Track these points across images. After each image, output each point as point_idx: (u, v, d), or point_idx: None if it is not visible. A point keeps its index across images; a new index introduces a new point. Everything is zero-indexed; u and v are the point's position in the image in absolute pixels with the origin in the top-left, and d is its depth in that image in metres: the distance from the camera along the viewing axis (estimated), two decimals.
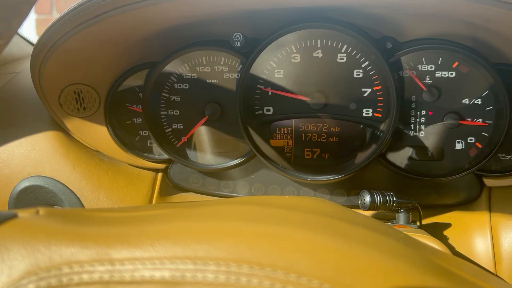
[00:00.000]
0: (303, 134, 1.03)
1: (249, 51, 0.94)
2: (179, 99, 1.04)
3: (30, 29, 3.33)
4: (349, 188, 1.04)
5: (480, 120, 0.93)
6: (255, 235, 0.39)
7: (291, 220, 0.43)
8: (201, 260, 0.37)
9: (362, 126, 0.98)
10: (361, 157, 1.00)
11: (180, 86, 1.03)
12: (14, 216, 0.42)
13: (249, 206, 0.46)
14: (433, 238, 0.72)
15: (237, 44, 0.88)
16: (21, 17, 0.49)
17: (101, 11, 0.79)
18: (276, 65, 0.98)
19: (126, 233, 0.40)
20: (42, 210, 0.44)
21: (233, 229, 0.40)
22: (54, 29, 0.84)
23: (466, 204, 0.99)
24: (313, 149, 1.03)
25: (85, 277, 0.37)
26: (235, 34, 0.89)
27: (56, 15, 3.31)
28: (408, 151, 0.99)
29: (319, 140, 1.02)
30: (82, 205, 1.00)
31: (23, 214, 0.43)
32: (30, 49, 1.09)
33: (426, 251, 0.49)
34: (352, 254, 0.38)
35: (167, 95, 1.04)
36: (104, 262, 0.37)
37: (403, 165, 0.99)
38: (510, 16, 0.71)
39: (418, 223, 0.89)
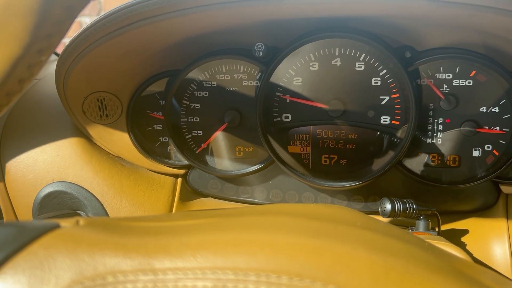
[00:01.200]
0: (320, 141, 1.04)
1: (269, 60, 0.96)
2: (199, 106, 1.06)
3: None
4: (366, 195, 1.06)
5: (498, 128, 0.94)
6: (293, 246, 0.41)
7: (325, 232, 0.44)
8: (242, 271, 0.39)
9: (379, 133, 1.00)
10: (378, 163, 1.01)
11: (200, 93, 1.05)
12: (57, 226, 0.44)
13: (283, 217, 0.48)
14: (453, 245, 0.73)
15: (259, 53, 0.90)
16: (62, 34, 0.51)
17: (128, 22, 0.81)
18: (295, 73, 1.00)
19: (167, 244, 0.42)
20: (82, 220, 0.46)
21: (271, 240, 0.42)
22: (81, 38, 0.86)
23: (483, 210, 1.00)
24: (331, 156, 1.05)
25: (129, 286, 0.38)
26: (257, 44, 0.91)
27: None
28: (425, 158, 1.00)
29: (336, 146, 1.04)
30: (105, 210, 1.02)
31: (65, 224, 0.45)
32: (52, 55, 1.11)
33: (452, 260, 0.51)
34: (388, 266, 0.40)
35: (188, 103, 1.06)
36: (147, 272, 0.39)
37: (420, 172, 1.00)
38: None
39: (436, 230, 0.90)
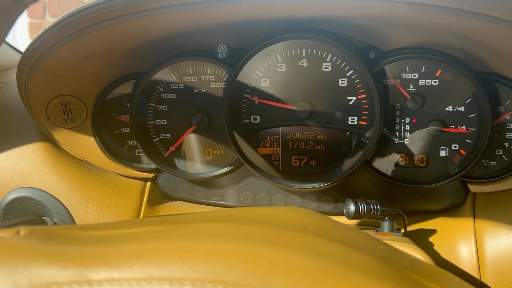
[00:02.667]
0: (290, 142, 1.03)
1: (234, 61, 0.95)
2: (166, 108, 1.05)
3: (23, 33, 3.32)
4: (336, 196, 1.05)
5: (464, 127, 0.94)
6: (231, 254, 0.40)
7: (268, 238, 0.43)
8: (178, 281, 0.38)
9: (348, 133, 0.99)
10: (347, 164, 1.00)
11: (167, 95, 1.04)
12: None
13: (227, 224, 0.47)
14: (416, 247, 0.73)
15: (221, 55, 0.89)
16: (8, 26, 0.49)
17: (84, 25, 0.79)
18: (263, 75, 0.99)
19: (104, 253, 0.41)
20: (23, 230, 0.45)
21: (209, 248, 0.41)
22: (39, 42, 0.84)
23: (452, 210, 1.01)
24: (301, 157, 1.04)
25: None
26: (219, 46, 0.90)
27: (49, 19, 3.30)
28: (393, 158, 1.00)
29: (306, 147, 1.03)
30: (71, 216, 1.00)
31: (4, 234, 0.43)
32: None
33: (403, 264, 0.50)
34: (326, 273, 0.39)
35: (155, 105, 1.05)
36: (82, 283, 0.38)
37: (389, 172, 1.00)
38: (488, 28, 0.72)
39: (402, 231, 0.90)
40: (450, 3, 0.67)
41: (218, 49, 0.90)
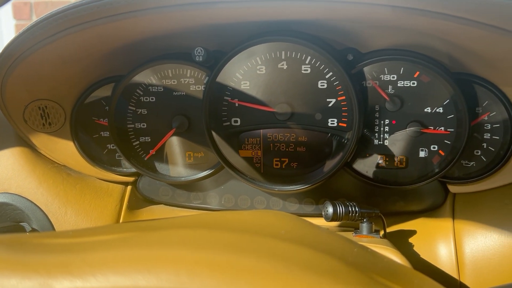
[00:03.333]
0: (271, 144, 1.03)
1: (213, 64, 0.95)
2: (146, 112, 1.04)
3: (9, 35, 3.28)
4: (317, 197, 1.05)
5: (442, 128, 0.95)
6: (197, 263, 0.39)
7: (236, 245, 0.43)
8: None
9: (329, 135, 0.99)
10: (328, 166, 1.01)
11: (146, 99, 1.03)
12: None
13: (195, 231, 0.46)
14: (393, 249, 0.73)
15: (198, 58, 0.89)
16: None
17: (60, 28, 0.78)
18: (242, 77, 0.99)
19: (68, 262, 0.40)
20: None
21: (175, 256, 0.40)
22: (15, 45, 0.83)
23: (432, 210, 1.01)
24: (282, 159, 1.04)
25: None
26: (196, 49, 0.89)
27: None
28: (373, 160, 1.00)
29: (287, 149, 1.03)
30: (50, 221, 0.99)
31: None
32: None
33: (375, 268, 0.50)
34: (293, 279, 0.39)
35: (134, 108, 1.04)
36: None
37: (369, 174, 1.00)
38: (463, 29, 0.73)
39: (382, 232, 0.90)
40: (423, 5, 0.67)
41: (195, 52, 0.89)
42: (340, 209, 0.84)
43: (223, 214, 0.58)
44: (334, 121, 0.98)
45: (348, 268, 0.44)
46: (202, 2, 0.70)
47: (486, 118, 0.94)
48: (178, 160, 1.07)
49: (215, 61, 0.94)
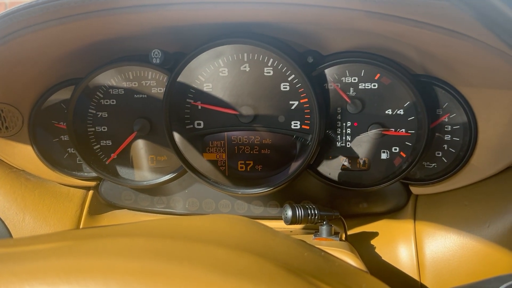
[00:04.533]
0: (236, 147, 1.02)
1: (173, 66, 0.93)
2: (106, 115, 1.02)
3: None
4: (282, 200, 1.05)
5: (403, 130, 0.95)
6: (127, 272, 0.38)
7: (172, 253, 0.42)
8: None
9: (294, 137, 0.99)
10: (292, 168, 1.00)
11: (107, 101, 1.01)
12: None
13: (133, 239, 0.45)
14: (349, 252, 0.73)
15: (156, 60, 0.87)
16: None
17: (12, 30, 0.76)
18: (205, 79, 0.98)
19: None
20: None
21: (105, 266, 0.39)
22: None
23: (395, 212, 1.01)
24: (247, 162, 1.03)
25: None
26: (153, 51, 0.88)
27: None
28: (336, 162, 1.00)
29: (252, 152, 1.02)
30: (6, 228, 0.96)
31: None
32: None
33: (320, 273, 0.50)
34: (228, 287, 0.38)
35: (94, 111, 1.02)
36: None
37: (332, 176, 1.00)
38: (416, 32, 0.73)
39: (344, 235, 0.90)
40: (376, 8, 0.67)
41: (152, 54, 0.88)
42: (299, 212, 0.83)
43: (173, 221, 0.57)
44: (297, 123, 0.98)
45: (287, 274, 0.43)
46: (152, 4, 0.69)
47: (446, 120, 0.95)
48: (141, 163, 1.05)
49: (174, 63, 0.93)
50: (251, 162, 1.03)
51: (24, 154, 1.01)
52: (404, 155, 0.96)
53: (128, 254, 0.41)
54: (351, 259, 0.70)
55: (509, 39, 0.46)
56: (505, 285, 0.54)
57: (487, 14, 0.44)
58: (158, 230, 0.51)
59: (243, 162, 1.03)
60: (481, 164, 0.91)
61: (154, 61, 0.87)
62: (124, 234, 0.48)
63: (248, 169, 1.04)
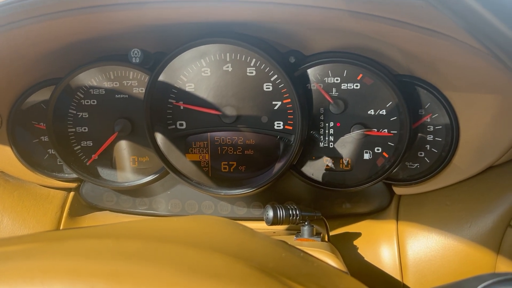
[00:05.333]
0: (219, 148, 1.02)
1: (153, 66, 0.92)
2: (87, 115, 1.01)
3: None
4: (265, 201, 1.04)
5: (386, 130, 0.95)
6: (94, 274, 0.37)
7: (141, 255, 0.41)
8: None
9: (277, 138, 0.98)
10: (276, 169, 0.99)
11: (88, 102, 1.00)
12: None
13: (101, 240, 0.44)
14: (329, 253, 0.72)
15: (135, 60, 0.86)
16: None
17: None
18: (187, 79, 0.97)
19: None
20: None
21: (72, 268, 0.38)
22: None
23: (378, 212, 1.01)
24: (230, 162, 1.03)
25: None
26: (133, 50, 0.87)
27: None
28: (320, 162, 0.99)
29: (235, 153, 1.02)
30: None
31: None
32: None
33: (295, 273, 0.49)
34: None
35: (75, 112, 1.00)
36: None
37: (315, 176, 1.00)
38: (399, 31, 0.73)
39: (326, 236, 0.89)
40: (357, 7, 0.67)
41: (132, 53, 0.87)
42: (281, 212, 0.83)
43: (145, 222, 0.56)
44: (280, 123, 0.98)
45: (260, 274, 0.42)
46: (129, 3, 0.68)
47: (428, 120, 0.95)
48: (123, 164, 1.04)
49: (155, 63, 0.92)
50: (235, 163, 1.03)
51: (3, 155, 1.00)
52: (386, 155, 0.96)
53: (96, 256, 0.40)
54: (331, 260, 0.70)
55: (484, 39, 0.46)
56: (484, 284, 0.54)
57: (462, 14, 0.44)
58: (130, 231, 0.50)
59: (226, 163, 1.03)
60: (463, 164, 0.91)
61: (133, 61, 0.86)
62: (94, 236, 0.47)
63: (232, 170, 1.03)
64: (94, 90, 0.99)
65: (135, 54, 0.86)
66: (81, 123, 1.01)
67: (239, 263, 0.43)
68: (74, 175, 1.03)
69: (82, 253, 0.40)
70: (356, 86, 0.95)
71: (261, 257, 0.50)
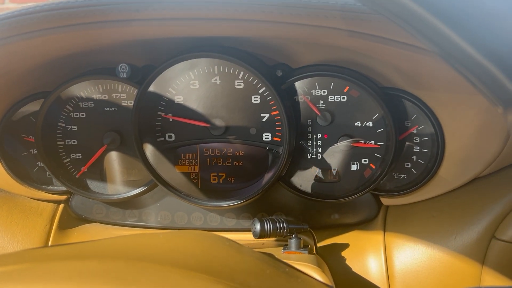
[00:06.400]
0: (208, 159, 1.02)
1: (141, 79, 0.93)
2: (76, 128, 1.01)
3: None
4: (255, 212, 1.04)
5: (372, 142, 0.96)
6: None
7: (122, 276, 0.42)
8: None
9: (266, 149, 0.99)
10: (265, 180, 1.00)
11: (77, 115, 1.00)
12: None
13: (83, 262, 0.45)
14: (315, 266, 0.73)
15: (123, 75, 0.87)
16: None
17: None
18: (176, 92, 0.98)
19: None
20: None
21: None
22: None
23: (366, 223, 1.02)
24: (219, 174, 1.03)
25: None
26: (120, 65, 0.88)
27: (9, 5, 3.15)
28: (308, 174, 1.00)
29: (224, 164, 1.02)
30: None
31: None
32: None
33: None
34: None
35: (64, 125, 1.01)
36: None
37: (303, 187, 1.00)
38: (379, 47, 0.74)
39: (314, 247, 0.90)
40: (340, 25, 0.68)
41: (119, 68, 0.88)
42: (267, 225, 0.83)
43: (129, 239, 0.56)
44: (268, 135, 0.98)
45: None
46: (114, 20, 0.68)
47: (415, 132, 0.96)
48: (112, 177, 1.04)
49: (143, 76, 0.93)
50: (224, 174, 1.03)
51: None
52: (373, 167, 0.97)
53: (79, 278, 0.40)
54: (317, 274, 0.70)
55: (453, 62, 0.45)
56: None
57: (432, 38, 0.44)
58: (113, 250, 0.50)
59: (215, 174, 1.03)
60: (448, 176, 0.92)
61: (121, 75, 0.86)
62: (78, 256, 0.47)
63: (221, 181, 1.03)
64: (83, 103, 1.00)
65: (123, 69, 0.86)
66: (70, 136, 1.01)
67: (220, 283, 0.44)
68: (64, 188, 1.03)
69: (66, 276, 0.41)
70: (343, 98, 0.96)
71: (243, 275, 0.50)
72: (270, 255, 0.66)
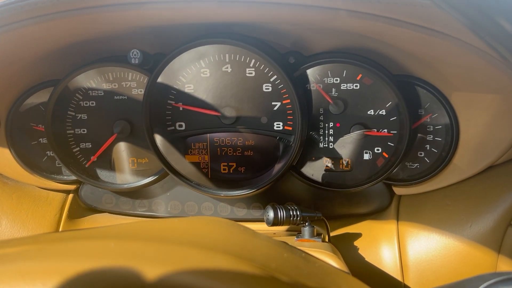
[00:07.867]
0: (218, 149, 1.01)
1: (153, 67, 0.92)
2: (86, 117, 1.00)
3: None
4: (265, 202, 1.04)
5: (385, 130, 0.95)
6: (95, 274, 0.37)
7: (142, 255, 0.41)
8: None
9: (277, 139, 0.98)
10: (275, 170, 0.99)
11: (86, 103, 1.00)
12: None
13: (102, 241, 0.44)
14: (330, 253, 0.72)
15: (134, 61, 0.86)
16: None
17: None
18: (186, 80, 0.97)
19: None
20: None
21: (73, 268, 0.38)
22: None
23: (378, 212, 1.01)
24: (230, 163, 1.02)
25: None
26: (132, 51, 0.87)
27: None
28: (319, 163, 0.99)
29: (234, 154, 1.01)
30: None
31: None
32: None
33: (298, 273, 0.49)
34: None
35: (73, 113, 1.00)
36: None
37: (315, 177, 0.99)
38: (398, 31, 0.72)
39: (327, 236, 0.89)
40: (357, 7, 0.67)
41: (131, 54, 0.87)
42: (281, 213, 0.82)
43: (147, 223, 0.55)
44: (279, 124, 0.97)
45: (263, 274, 0.42)
46: (127, 3, 0.67)
47: (428, 120, 0.95)
48: (122, 166, 1.03)
49: (154, 64, 0.92)
50: (234, 164, 1.02)
51: (1, 158, 0.99)
52: (386, 156, 0.96)
53: (97, 256, 0.39)
54: (332, 260, 0.69)
55: (488, 37, 0.45)
56: (486, 283, 0.54)
57: (466, 11, 0.44)
58: (132, 232, 0.49)
59: (226, 164, 1.02)
60: (463, 164, 0.91)
61: (132, 61, 0.85)
62: (94, 237, 0.46)
63: (231, 171, 1.03)
64: (93, 91, 0.99)
65: (135, 55, 0.85)
66: (80, 125, 1.01)
67: (241, 263, 0.43)
68: (73, 177, 1.02)
69: (83, 254, 0.40)
70: (356, 86, 0.94)
71: (263, 258, 0.49)
72: (285, 242, 0.65)
